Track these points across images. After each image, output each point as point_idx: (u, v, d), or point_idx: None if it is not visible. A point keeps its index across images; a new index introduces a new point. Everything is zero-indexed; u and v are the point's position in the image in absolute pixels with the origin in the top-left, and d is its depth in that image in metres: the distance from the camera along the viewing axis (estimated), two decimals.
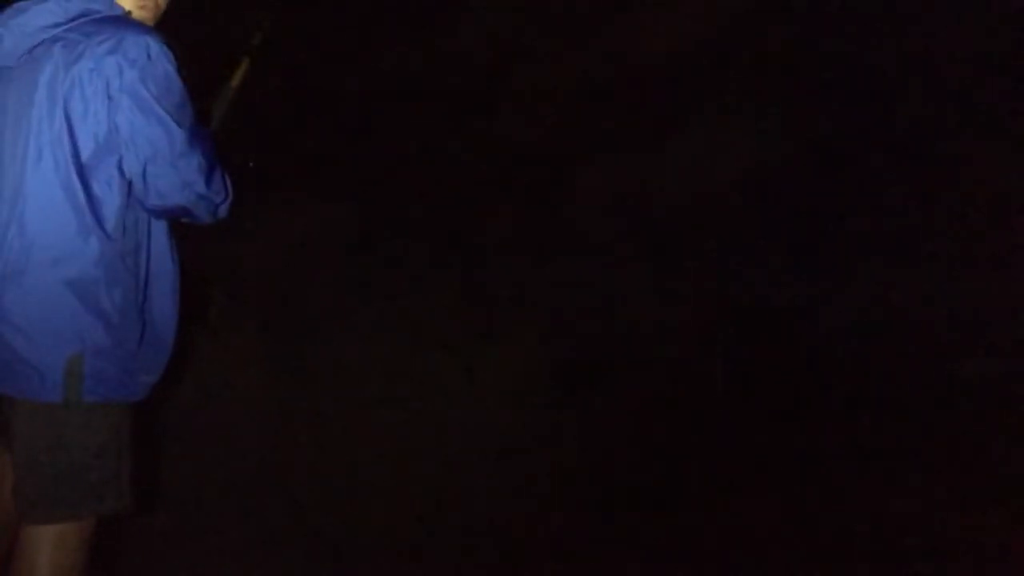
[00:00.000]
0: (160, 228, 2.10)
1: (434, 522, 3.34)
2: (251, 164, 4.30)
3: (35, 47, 2.00)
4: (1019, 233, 3.97)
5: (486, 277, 4.30)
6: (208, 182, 2.05)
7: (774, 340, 3.96)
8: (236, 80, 2.33)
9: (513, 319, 4.17)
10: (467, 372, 3.92)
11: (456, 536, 3.30)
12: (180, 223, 2.16)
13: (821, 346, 3.84)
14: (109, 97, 1.96)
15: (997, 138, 4.04)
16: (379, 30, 4.77)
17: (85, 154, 1.98)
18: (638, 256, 4.34)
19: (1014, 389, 3.64)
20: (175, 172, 1.99)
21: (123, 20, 2.05)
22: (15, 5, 2.06)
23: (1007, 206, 3.92)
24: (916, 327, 3.72)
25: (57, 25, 1.99)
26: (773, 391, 3.79)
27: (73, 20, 2.00)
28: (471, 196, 4.54)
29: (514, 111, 4.58)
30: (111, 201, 2.00)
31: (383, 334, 4.09)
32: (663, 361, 3.98)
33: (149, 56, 1.98)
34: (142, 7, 2.12)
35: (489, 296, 4.25)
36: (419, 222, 4.50)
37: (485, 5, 4.76)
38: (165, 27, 2.14)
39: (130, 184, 2.01)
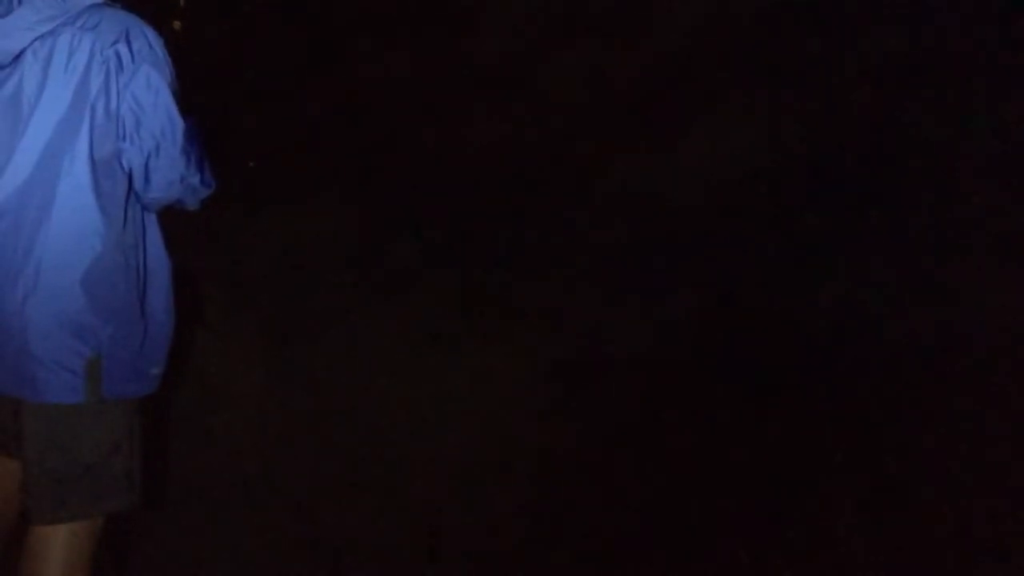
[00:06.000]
0: (152, 221, 2.10)
1: (434, 523, 3.34)
2: (251, 164, 4.32)
3: (32, 43, 1.96)
4: None
5: (486, 277, 4.32)
6: (201, 174, 2.06)
7: (778, 341, 3.97)
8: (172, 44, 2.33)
9: (514, 320, 4.18)
10: (467, 373, 3.92)
11: (457, 537, 3.31)
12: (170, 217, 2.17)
13: (827, 347, 3.85)
14: (116, 90, 1.95)
15: (1008, 139, 4.06)
16: (388, 33, 4.80)
17: (96, 150, 1.97)
18: (640, 256, 4.36)
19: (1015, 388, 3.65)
20: (176, 165, 2.00)
21: (114, 9, 2.04)
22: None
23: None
24: (924, 329, 3.73)
25: (52, 19, 1.96)
26: (775, 391, 3.80)
27: (66, 13, 1.97)
28: (472, 197, 4.55)
29: (520, 114, 4.61)
30: (117, 196, 2.00)
31: (383, 335, 4.10)
32: (664, 362, 3.99)
33: (151, 46, 1.98)
34: None
35: (489, 296, 4.26)
36: (420, 223, 4.52)
37: (499, 10, 4.79)
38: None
39: (129, 177, 2.01)
